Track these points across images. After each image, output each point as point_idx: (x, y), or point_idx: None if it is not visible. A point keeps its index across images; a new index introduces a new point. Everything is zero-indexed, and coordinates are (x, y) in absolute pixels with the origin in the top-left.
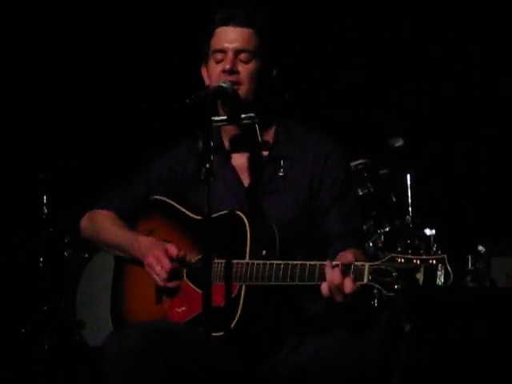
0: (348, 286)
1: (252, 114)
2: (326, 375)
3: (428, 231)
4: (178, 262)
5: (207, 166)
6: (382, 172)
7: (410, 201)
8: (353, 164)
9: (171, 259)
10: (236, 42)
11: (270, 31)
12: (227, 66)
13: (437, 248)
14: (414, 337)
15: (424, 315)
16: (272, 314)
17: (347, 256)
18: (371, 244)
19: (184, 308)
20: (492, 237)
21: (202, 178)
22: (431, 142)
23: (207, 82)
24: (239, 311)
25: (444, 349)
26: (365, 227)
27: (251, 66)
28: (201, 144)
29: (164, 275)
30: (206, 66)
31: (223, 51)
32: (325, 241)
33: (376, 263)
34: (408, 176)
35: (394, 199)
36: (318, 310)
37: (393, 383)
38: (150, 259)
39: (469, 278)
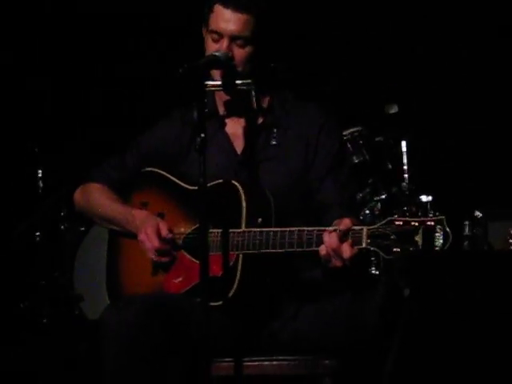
0: (346, 250)
1: (249, 81)
2: (326, 341)
3: (424, 198)
4: (169, 240)
5: (202, 135)
6: (377, 139)
7: (405, 168)
8: (348, 132)
9: (162, 238)
10: (233, 27)
11: (269, 16)
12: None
13: (434, 214)
14: (413, 301)
15: (423, 279)
16: (270, 283)
17: (344, 221)
18: (368, 211)
19: (181, 279)
20: (488, 202)
21: (197, 147)
22: (426, 108)
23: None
24: (237, 280)
25: (444, 314)
26: (361, 195)
27: (247, 50)
28: (195, 113)
29: (153, 253)
30: (204, 34)
31: (219, 33)
32: (320, 210)
33: (374, 227)
34: (403, 143)
35: (390, 166)
36: (316, 277)
37: (392, 349)
38: (142, 236)
39: (466, 244)
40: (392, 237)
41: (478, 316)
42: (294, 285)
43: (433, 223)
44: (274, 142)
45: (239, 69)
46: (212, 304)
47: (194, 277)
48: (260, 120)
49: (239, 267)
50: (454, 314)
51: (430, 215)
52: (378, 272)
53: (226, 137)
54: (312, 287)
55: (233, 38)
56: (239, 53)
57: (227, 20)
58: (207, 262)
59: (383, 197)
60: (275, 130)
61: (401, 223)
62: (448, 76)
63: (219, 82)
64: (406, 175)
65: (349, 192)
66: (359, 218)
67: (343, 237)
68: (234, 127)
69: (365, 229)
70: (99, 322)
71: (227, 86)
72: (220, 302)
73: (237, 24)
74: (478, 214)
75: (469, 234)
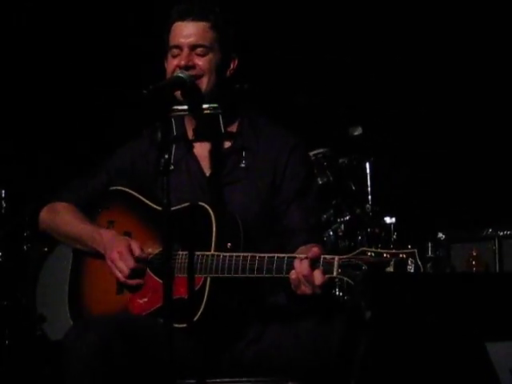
0: (318, 277)
1: (215, 105)
2: (289, 364)
3: (388, 219)
4: (142, 260)
5: (166, 156)
6: (341, 161)
7: (369, 189)
8: (312, 153)
9: (135, 257)
10: (191, 37)
11: (227, 23)
12: (182, 63)
13: (397, 236)
14: (374, 324)
15: (384, 301)
16: (236, 307)
17: (313, 250)
18: (331, 233)
19: (146, 299)
20: (451, 224)
21: (161, 169)
22: (390, 131)
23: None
24: (203, 304)
25: (406, 337)
26: (325, 216)
27: (208, 58)
28: (159, 135)
29: (126, 272)
30: (166, 61)
31: (179, 47)
32: (285, 235)
33: (346, 257)
34: (367, 164)
35: (354, 188)
36: (280, 301)
37: (354, 373)
38: (114, 255)
39: (429, 265)
40: (363, 267)
41: (439, 339)
42: (259, 308)
43: (405, 256)
44: (242, 165)
45: (205, 81)
46: (176, 326)
47: (159, 298)
48: (229, 143)
49: (206, 290)
50: (415, 338)
51: (394, 237)
52: (341, 294)
53: (195, 159)
54: (276, 310)
55: (192, 48)
56: (201, 62)
57: (184, 31)
58: (171, 284)
59: (347, 218)
60: (244, 153)
61: (373, 254)
62: (410, 100)
63: (185, 107)
64: (369, 197)
65: (315, 217)
66: (323, 243)
67: (314, 264)
68: (203, 150)
69: (336, 258)
70: (62, 344)
71: (193, 109)
72: (184, 325)
73: (194, 33)
74: (440, 235)
75: (432, 256)
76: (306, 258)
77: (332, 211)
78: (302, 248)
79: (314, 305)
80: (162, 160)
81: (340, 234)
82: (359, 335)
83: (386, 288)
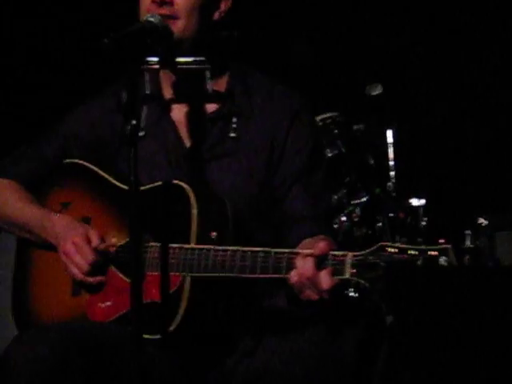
0: (326, 281)
1: (202, 58)
2: (290, 382)
3: (415, 201)
4: (101, 253)
5: (133, 122)
6: (356, 127)
7: (391, 163)
8: (319, 118)
9: (95, 249)
10: None
11: None
12: None
13: (427, 222)
14: (397, 330)
15: (410, 302)
16: (223, 313)
17: (320, 245)
18: (345, 218)
19: (109, 303)
20: (495, 206)
21: (127, 137)
22: (417, 88)
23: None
24: (182, 309)
25: (433, 346)
26: (336, 197)
27: None
28: (124, 95)
29: (85, 268)
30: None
31: None
32: (285, 224)
33: (360, 253)
34: (389, 132)
35: (372, 161)
36: (279, 306)
37: None
38: (68, 247)
39: (467, 258)
40: (382, 266)
41: (476, 346)
42: (252, 315)
43: (436, 253)
44: (232, 135)
45: (181, 25)
46: (148, 337)
47: (127, 301)
48: (216, 106)
49: (185, 293)
50: (448, 346)
51: (423, 223)
52: (356, 294)
53: (172, 126)
54: (274, 317)
55: None
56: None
57: None
58: (141, 284)
59: (364, 200)
60: (234, 120)
61: (395, 251)
62: (445, 48)
63: (156, 59)
64: (391, 173)
65: (323, 201)
66: (333, 229)
67: (320, 263)
68: (183, 114)
69: (349, 255)
70: (4, 358)
71: (168, 62)
72: (158, 336)
73: None
74: (482, 221)
75: (471, 247)
76: (311, 254)
77: (345, 191)
78: (307, 241)
79: (322, 311)
80: (129, 126)
81: (355, 219)
82: (379, 347)
83: (412, 287)
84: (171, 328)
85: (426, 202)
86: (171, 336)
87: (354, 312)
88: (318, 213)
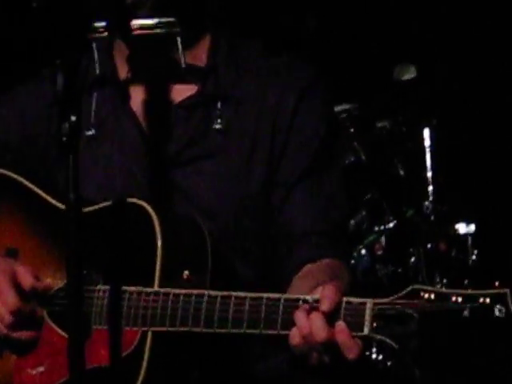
0: (340, 338)
1: (171, 19)
2: None
3: (462, 227)
4: (34, 300)
5: (73, 118)
6: (380, 125)
7: (429, 175)
8: None
9: (22, 293)
10: None
11: None
12: None
13: (477, 256)
14: None
15: (453, 368)
16: (196, 379)
17: (329, 287)
18: (364, 251)
19: (42, 368)
20: None
21: (63, 141)
22: (465, 71)
23: None
24: (140, 377)
25: None
26: (353, 222)
27: None
28: (59, 80)
29: (7, 319)
30: None
31: None
32: (284, 242)
33: (385, 301)
34: (426, 131)
35: (402, 172)
36: (278, 371)
37: None
38: None
39: None
40: (414, 319)
41: None
42: (238, 382)
43: (488, 300)
44: (217, 126)
45: None
46: None
47: (65, 367)
48: (193, 88)
49: (146, 354)
50: None
51: (473, 257)
52: (381, 356)
53: (132, 118)
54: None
55: None
56: None
57: None
58: (83, 342)
59: (390, 225)
60: (219, 105)
61: (433, 297)
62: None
63: (102, 23)
64: (429, 187)
65: (336, 212)
66: (350, 256)
67: (331, 315)
68: (146, 102)
69: (369, 303)
70: None
71: (121, 28)
72: None
73: None
74: None
75: None
76: (313, 305)
77: (364, 213)
78: (308, 269)
79: (338, 374)
80: (66, 124)
81: (378, 253)
82: None
83: (456, 347)
84: None
85: (477, 229)
86: None
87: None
88: (327, 226)
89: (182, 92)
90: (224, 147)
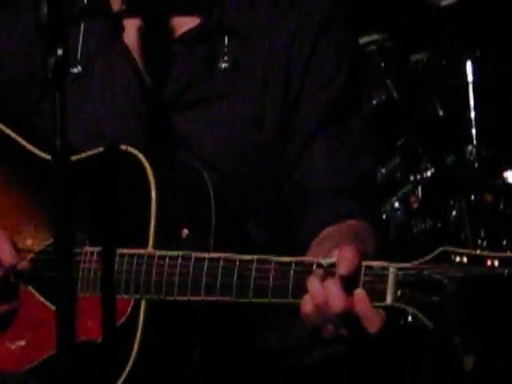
0: (360, 308)
1: None
2: None
3: (510, 175)
4: (12, 266)
5: (59, 52)
6: (415, 58)
7: (472, 115)
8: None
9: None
10: None
11: None
12: None
13: None
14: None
15: (497, 336)
16: (198, 358)
17: (346, 249)
18: (398, 204)
19: (23, 343)
20: None
21: (50, 76)
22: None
23: None
24: (134, 353)
25: None
26: (384, 170)
27: None
28: (44, 7)
29: None
30: None
31: None
32: (300, 200)
33: (410, 265)
34: (469, 65)
35: (442, 113)
36: (290, 344)
37: None
38: None
39: None
40: (444, 281)
41: None
42: (246, 361)
43: None
44: (223, 65)
45: None
46: None
47: (49, 341)
48: (195, 21)
49: (139, 327)
50: None
51: None
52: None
53: (125, 54)
54: (282, 362)
55: None
56: None
57: None
58: (72, 312)
59: (428, 174)
60: (226, 41)
61: (463, 260)
62: None
63: None
64: (473, 130)
65: (363, 165)
66: (380, 215)
67: (349, 282)
68: (142, 35)
69: (392, 269)
70: None
71: None
72: None
73: None
74: None
75: None
76: (330, 265)
77: (398, 161)
78: (328, 232)
79: (360, 347)
80: (52, 59)
81: (414, 206)
82: None
83: (500, 312)
84: (119, 381)
85: None
86: None
87: (409, 356)
88: (351, 182)
89: (182, 24)
90: (230, 89)
